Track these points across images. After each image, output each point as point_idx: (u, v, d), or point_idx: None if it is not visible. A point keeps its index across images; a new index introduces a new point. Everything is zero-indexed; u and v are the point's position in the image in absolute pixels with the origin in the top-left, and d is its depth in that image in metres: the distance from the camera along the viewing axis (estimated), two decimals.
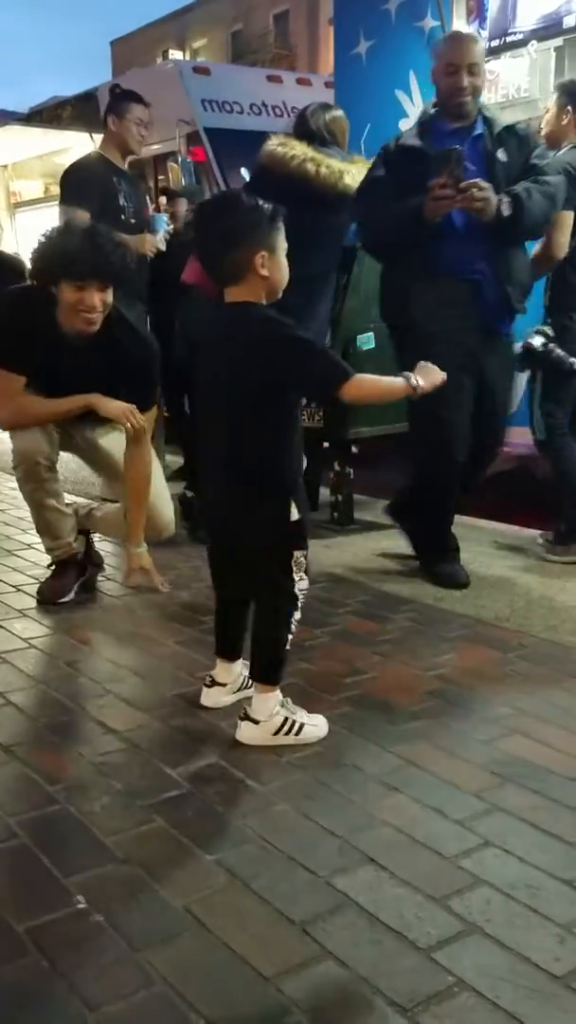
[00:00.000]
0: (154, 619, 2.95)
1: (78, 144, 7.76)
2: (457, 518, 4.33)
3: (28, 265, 2.98)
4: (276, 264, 2.01)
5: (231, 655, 2.26)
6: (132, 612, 3.03)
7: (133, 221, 4.23)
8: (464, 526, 4.18)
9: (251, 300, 2.02)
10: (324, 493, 4.32)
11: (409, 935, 1.44)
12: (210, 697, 2.26)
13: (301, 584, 2.07)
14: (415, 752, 2.04)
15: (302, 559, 2.07)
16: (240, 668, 2.27)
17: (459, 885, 1.56)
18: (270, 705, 2.06)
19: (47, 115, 8.64)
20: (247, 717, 2.08)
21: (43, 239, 2.80)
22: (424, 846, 1.68)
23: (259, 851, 1.66)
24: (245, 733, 2.08)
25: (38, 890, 1.55)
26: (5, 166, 9.28)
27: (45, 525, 3.13)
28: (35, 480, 3.02)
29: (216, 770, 1.97)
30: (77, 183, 4.18)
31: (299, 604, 2.08)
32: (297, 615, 2.08)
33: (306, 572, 2.09)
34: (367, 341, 4.05)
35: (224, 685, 2.26)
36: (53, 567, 3.17)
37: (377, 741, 2.09)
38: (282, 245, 2.02)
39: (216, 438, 2.10)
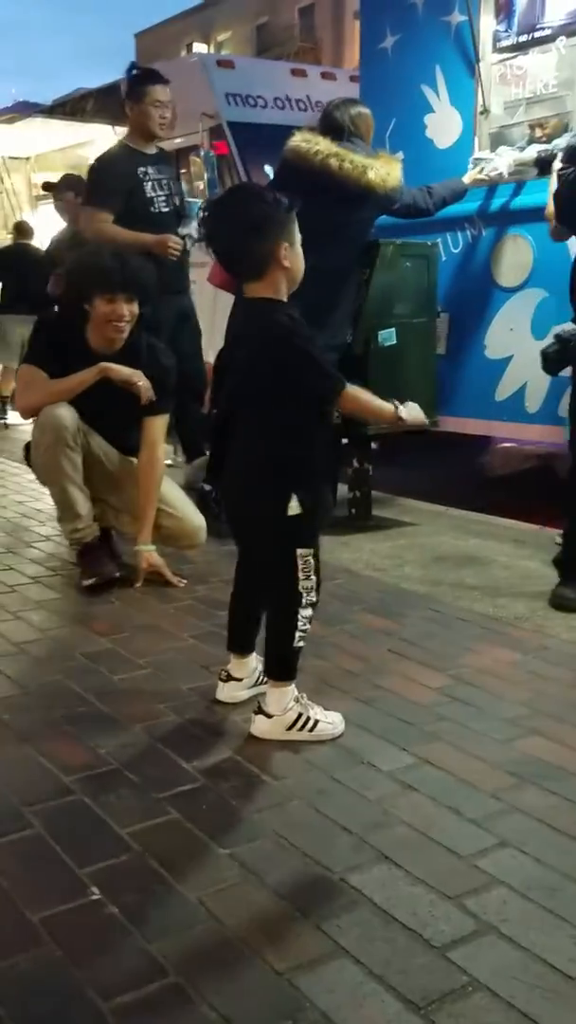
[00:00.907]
0: (170, 612, 2.95)
1: (101, 136, 7.78)
2: (476, 516, 4.33)
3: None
4: (296, 255, 2.01)
5: (244, 650, 2.25)
6: (148, 605, 3.04)
7: (165, 209, 4.14)
8: (484, 524, 4.17)
9: (272, 296, 2.02)
10: (343, 489, 4.31)
11: (423, 933, 1.43)
12: (225, 692, 2.26)
13: (307, 583, 2.04)
14: (431, 751, 2.03)
15: (309, 558, 2.04)
16: (255, 663, 2.26)
17: (474, 884, 1.56)
18: (284, 700, 2.06)
19: (71, 107, 8.66)
20: (261, 711, 2.08)
21: (75, 260, 3.10)
22: (440, 845, 1.67)
23: (273, 846, 1.66)
24: (259, 727, 2.08)
25: (53, 880, 1.56)
26: (28, 158, 9.31)
27: (68, 502, 3.16)
28: (61, 449, 3.09)
29: (231, 764, 1.97)
30: (99, 184, 4.12)
31: (306, 602, 2.05)
32: (307, 612, 2.06)
33: (316, 572, 2.06)
34: (388, 337, 4.03)
35: (240, 680, 2.26)
36: (81, 555, 3.19)
37: (393, 739, 2.08)
38: (298, 236, 2.02)
39: (235, 429, 2.11)
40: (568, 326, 3.21)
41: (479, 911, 1.49)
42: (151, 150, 4.21)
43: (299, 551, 2.03)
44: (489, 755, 2.01)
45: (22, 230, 7.87)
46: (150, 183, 4.13)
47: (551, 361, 3.26)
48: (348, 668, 2.50)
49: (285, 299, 2.04)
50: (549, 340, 3.27)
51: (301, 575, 2.03)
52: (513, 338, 4.40)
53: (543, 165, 4.12)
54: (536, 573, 3.38)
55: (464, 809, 1.79)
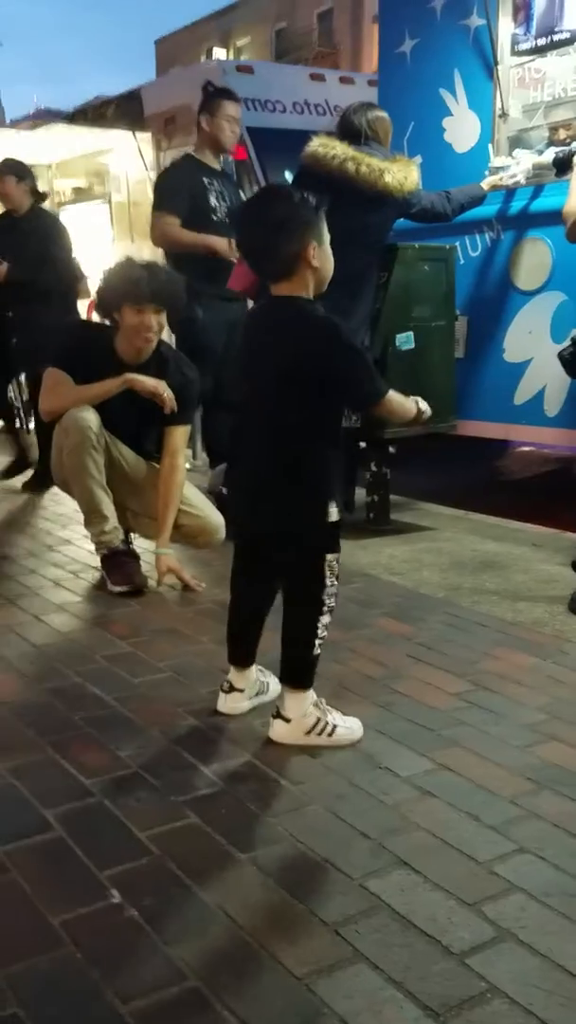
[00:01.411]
0: (189, 615, 2.97)
1: (122, 143, 7.82)
2: (495, 520, 4.32)
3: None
4: (324, 255, 2.01)
5: (247, 662, 2.24)
6: (167, 608, 3.05)
7: (227, 220, 4.23)
8: (503, 528, 4.16)
9: (302, 295, 2.01)
10: (360, 494, 4.31)
11: (442, 940, 1.43)
12: (228, 703, 2.23)
13: (331, 589, 2.06)
14: (449, 756, 2.03)
15: (334, 563, 2.06)
16: (255, 673, 2.26)
17: (493, 891, 1.55)
18: (303, 705, 2.06)
19: (91, 114, 8.70)
20: (280, 715, 2.08)
21: (106, 272, 3.17)
22: (458, 851, 1.67)
23: (292, 851, 1.67)
24: (277, 731, 2.08)
25: (73, 883, 1.57)
26: (50, 165, 9.38)
27: (95, 503, 3.20)
28: (87, 450, 3.13)
29: (249, 768, 1.97)
30: (166, 190, 4.22)
31: (327, 608, 2.06)
32: (326, 619, 2.06)
33: (336, 577, 2.07)
34: (407, 341, 4.03)
35: (242, 691, 2.24)
36: (107, 560, 3.22)
37: (411, 744, 2.08)
38: (327, 235, 2.02)
39: (259, 430, 2.07)
40: None
41: (497, 917, 1.48)
42: (216, 165, 4.32)
43: (328, 557, 2.04)
44: (507, 760, 2.01)
45: None
46: (214, 194, 4.22)
47: (567, 364, 3.27)
48: (366, 673, 2.50)
49: (313, 299, 2.04)
50: (567, 344, 3.27)
51: (328, 581, 2.04)
52: (532, 342, 4.38)
53: (561, 166, 4.12)
54: (555, 577, 3.37)
55: (482, 815, 1.79)
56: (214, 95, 4.27)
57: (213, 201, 4.21)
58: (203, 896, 1.54)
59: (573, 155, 3.86)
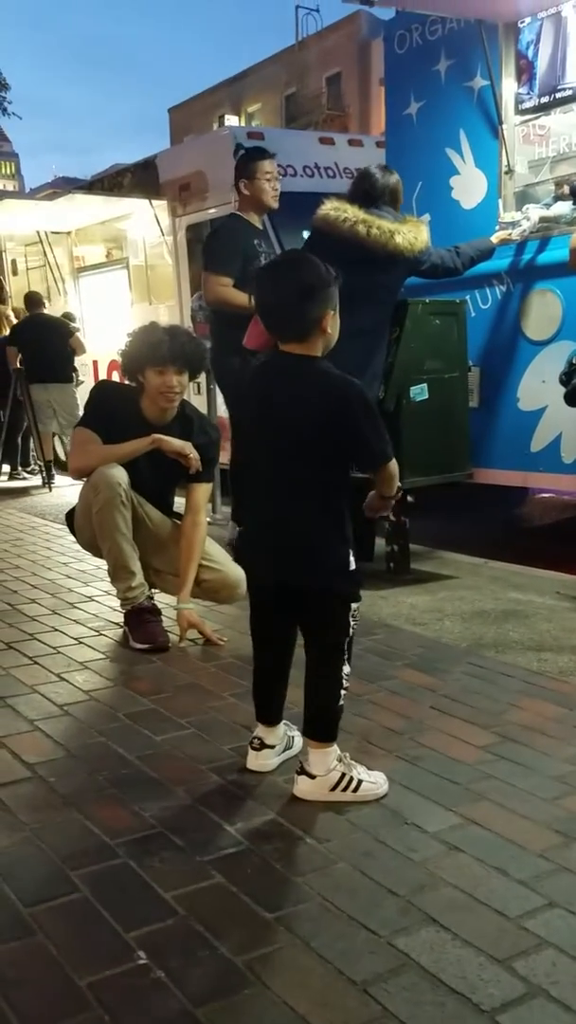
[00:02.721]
0: (211, 670, 2.97)
1: (139, 210, 8.03)
2: (516, 568, 4.31)
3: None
4: (336, 323, 2.09)
5: (276, 719, 2.24)
6: (190, 663, 3.06)
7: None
8: (525, 576, 4.14)
9: (313, 354, 2.07)
10: (380, 543, 4.32)
11: (473, 997, 1.41)
12: (257, 760, 2.22)
13: (351, 637, 2.07)
14: (476, 810, 2.01)
15: (356, 612, 2.08)
16: (283, 728, 2.26)
17: (524, 946, 1.53)
18: (328, 761, 2.06)
19: (108, 183, 8.94)
20: (304, 771, 2.07)
21: (130, 336, 3.28)
22: (487, 906, 1.65)
23: (319, 910, 1.65)
24: (302, 787, 2.07)
25: (99, 944, 1.56)
26: (69, 232, 9.63)
27: (123, 559, 3.24)
28: (117, 506, 3.19)
29: (274, 827, 1.96)
30: (219, 251, 4.29)
31: (347, 657, 2.07)
32: (347, 669, 2.07)
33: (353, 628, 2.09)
34: (420, 392, 4.09)
35: (272, 747, 2.23)
36: (132, 617, 3.25)
37: (437, 799, 2.06)
38: (338, 304, 2.09)
39: (276, 485, 2.08)
40: None
41: (528, 974, 1.46)
42: (259, 225, 4.40)
43: (353, 606, 2.07)
44: (536, 814, 1.99)
45: (35, 301, 8.16)
46: (263, 255, 4.32)
47: (565, 386, 3.35)
48: (390, 726, 2.48)
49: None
50: (564, 367, 3.35)
51: (351, 630, 2.06)
52: (546, 390, 4.42)
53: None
54: None
55: (511, 869, 1.77)
56: (248, 158, 4.32)
57: (263, 262, 4.32)
58: (230, 956, 1.52)
59: None
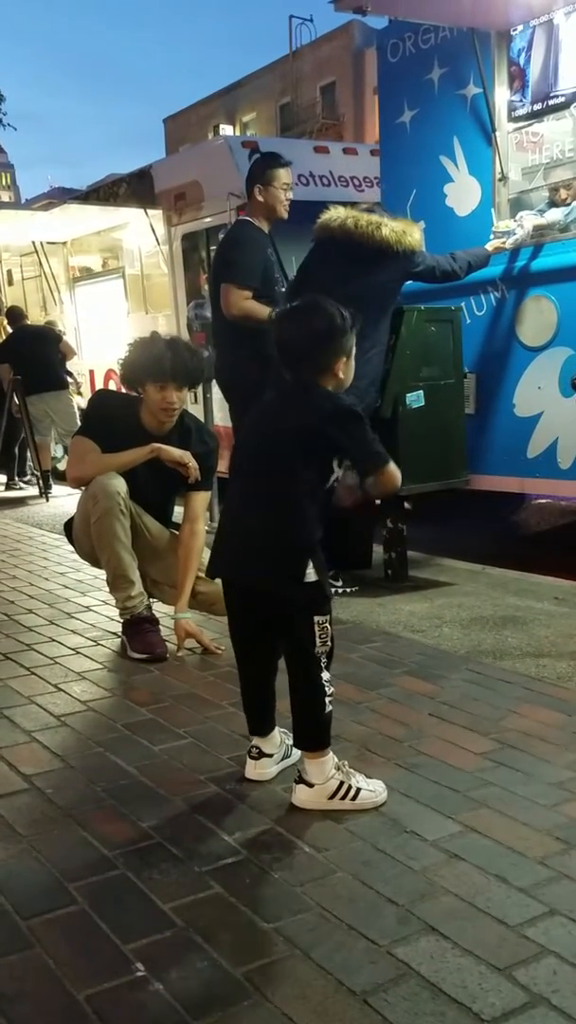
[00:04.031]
0: (209, 680, 2.96)
1: (135, 220, 8.04)
2: (514, 574, 4.30)
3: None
4: (349, 369, 2.15)
5: (266, 729, 2.24)
6: (187, 673, 3.05)
7: (283, 289, 4.31)
8: (523, 582, 4.14)
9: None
10: (378, 551, 4.32)
11: (473, 1006, 1.40)
12: (256, 770, 2.22)
13: (323, 648, 2.05)
14: (476, 818, 2.00)
15: (326, 624, 2.06)
16: (279, 735, 2.26)
17: (524, 955, 1.52)
18: (325, 769, 2.05)
19: (104, 192, 8.94)
20: (302, 780, 2.07)
21: (130, 348, 3.27)
22: (487, 914, 1.64)
23: (318, 919, 1.64)
24: (300, 796, 2.06)
25: (98, 957, 1.55)
26: (65, 242, 9.64)
27: (122, 569, 3.23)
28: (116, 515, 3.18)
29: (273, 836, 1.95)
30: (240, 264, 4.19)
31: (324, 665, 2.05)
32: (326, 675, 2.05)
33: (331, 638, 2.07)
34: (416, 399, 4.09)
35: (271, 756, 2.23)
36: (130, 626, 3.24)
37: (437, 807, 2.05)
38: (353, 350, 2.15)
39: (246, 490, 2.15)
40: None
41: (529, 982, 1.45)
42: (267, 231, 4.32)
43: (316, 618, 2.04)
44: (536, 821, 1.98)
45: (16, 315, 8.19)
46: (275, 264, 4.29)
47: None
48: (389, 734, 2.48)
49: None
50: None
51: (319, 641, 2.04)
52: (542, 396, 4.43)
53: None
54: None
55: (511, 877, 1.76)
56: (265, 164, 4.24)
57: (277, 274, 4.30)
58: (229, 968, 1.51)
59: None
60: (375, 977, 1.48)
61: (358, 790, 2.05)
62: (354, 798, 2.04)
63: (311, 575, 2.03)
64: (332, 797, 2.04)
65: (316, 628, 2.04)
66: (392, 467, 2.15)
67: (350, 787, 2.05)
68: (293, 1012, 1.40)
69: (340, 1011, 1.40)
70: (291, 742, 2.27)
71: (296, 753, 2.25)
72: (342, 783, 2.04)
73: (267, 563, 2.08)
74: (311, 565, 2.03)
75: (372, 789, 2.07)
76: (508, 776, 2.20)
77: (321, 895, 1.71)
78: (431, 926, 1.61)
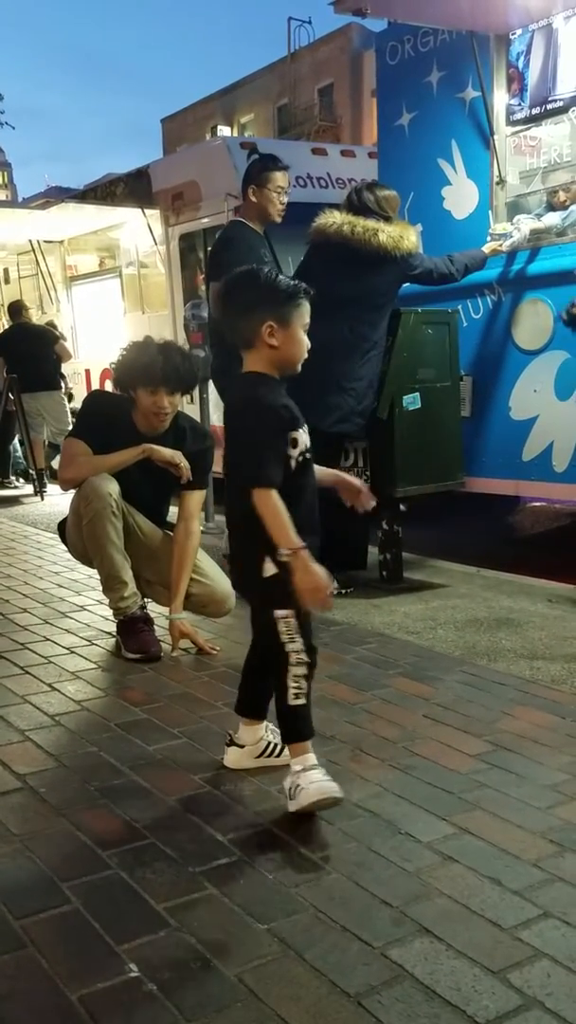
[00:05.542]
0: (204, 680, 2.96)
1: (132, 219, 8.04)
2: (509, 576, 4.31)
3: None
4: (289, 337, 2.07)
5: (249, 714, 2.27)
6: (182, 673, 3.05)
7: None
8: (518, 584, 4.15)
9: (259, 370, 2.09)
10: (373, 552, 4.32)
11: (467, 1009, 1.40)
12: (229, 757, 2.27)
13: (292, 645, 2.02)
14: (470, 820, 2.00)
15: (290, 619, 2.02)
16: (263, 731, 2.27)
17: (518, 957, 1.52)
18: (297, 765, 2.05)
19: (101, 192, 8.92)
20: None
21: (123, 352, 3.26)
22: (481, 917, 1.64)
23: (312, 920, 1.64)
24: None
25: (90, 957, 1.55)
26: (62, 241, 9.64)
27: (115, 570, 3.22)
28: (108, 516, 3.17)
29: (267, 837, 1.95)
30: (235, 262, 4.04)
31: (296, 661, 2.02)
32: (298, 671, 2.02)
33: (302, 635, 2.03)
34: (413, 401, 4.09)
35: (242, 747, 2.26)
36: (124, 626, 3.24)
37: (431, 808, 2.05)
38: (299, 321, 2.09)
39: (228, 492, 2.18)
40: None
41: (523, 985, 1.45)
42: (261, 233, 4.29)
43: (277, 613, 2.03)
44: (530, 823, 1.98)
45: (18, 310, 8.13)
46: (269, 265, 4.24)
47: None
48: (383, 735, 2.48)
49: (275, 376, 2.10)
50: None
51: (285, 637, 2.03)
52: (537, 399, 4.44)
53: None
54: (572, 633, 3.35)
55: (505, 879, 1.76)
56: (262, 166, 4.22)
57: None
58: (222, 969, 1.51)
59: None
60: (369, 979, 1.47)
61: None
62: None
63: (269, 569, 2.01)
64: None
65: (279, 624, 2.02)
66: (263, 496, 1.95)
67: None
68: (286, 1013, 1.40)
69: (334, 1012, 1.40)
70: (276, 740, 2.27)
71: (286, 755, 2.25)
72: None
73: (238, 560, 2.17)
74: (268, 560, 2.00)
75: (320, 789, 1.99)
76: (502, 778, 2.20)
77: (315, 896, 1.71)
78: (425, 928, 1.61)
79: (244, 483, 2.00)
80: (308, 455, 2.10)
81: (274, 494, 1.97)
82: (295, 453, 2.06)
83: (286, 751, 2.25)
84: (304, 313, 2.09)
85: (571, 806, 2.05)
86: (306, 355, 2.12)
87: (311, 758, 2.05)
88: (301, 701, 2.05)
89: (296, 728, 2.07)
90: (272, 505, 1.97)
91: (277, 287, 2.07)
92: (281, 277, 2.10)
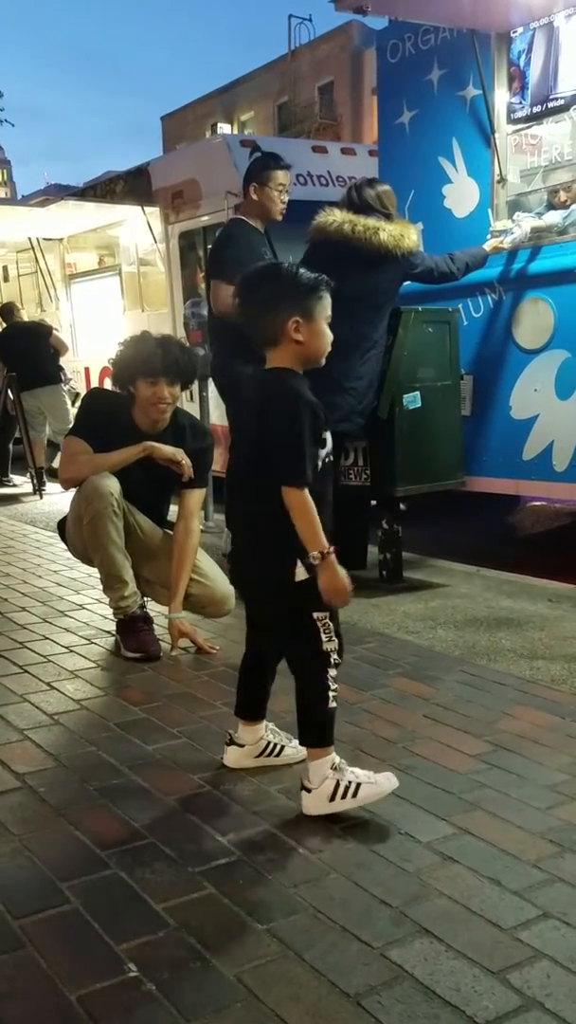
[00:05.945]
0: (203, 679, 2.96)
1: (132, 217, 8.02)
2: (509, 576, 4.31)
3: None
4: (313, 331, 2.04)
5: (251, 716, 2.25)
6: (181, 672, 3.04)
7: None
8: (518, 584, 4.14)
9: (285, 365, 2.06)
10: (373, 551, 4.32)
11: (467, 1009, 1.39)
12: (229, 757, 2.26)
13: (330, 644, 2.02)
14: (470, 820, 2.00)
15: (327, 620, 2.03)
16: (262, 731, 2.26)
17: (518, 958, 1.52)
18: (322, 771, 2.02)
19: (101, 190, 8.90)
20: (304, 786, 2.04)
21: (122, 346, 3.27)
22: (481, 917, 1.64)
23: (311, 921, 1.64)
24: (304, 803, 2.04)
25: (90, 957, 1.55)
26: (61, 239, 9.62)
27: (115, 569, 3.21)
28: (108, 515, 3.16)
29: (266, 837, 1.95)
30: (230, 260, 4.10)
31: (332, 662, 2.03)
32: (333, 673, 2.03)
33: (337, 634, 2.04)
34: (413, 401, 4.09)
35: (242, 747, 2.25)
36: (124, 625, 3.23)
37: (431, 809, 2.05)
38: (322, 314, 2.06)
39: (237, 490, 2.17)
40: None
41: (523, 985, 1.45)
42: (262, 231, 4.27)
43: (315, 615, 2.02)
44: (529, 823, 1.98)
45: (9, 311, 8.11)
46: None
47: None
48: (383, 735, 2.47)
49: (299, 371, 2.07)
50: None
51: (324, 637, 2.02)
52: (538, 399, 4.43)
53: None
54: (572, 633, 3.35)
55: (505, 880, 1.76)
56: (263, 164, 4.20)
57: None
58: (222, 969, 1.51)
59: None
60: (368, 979, 1.47)
61: (358, 785, 2.02)
62: (355, 795, 2.01)
63: (300, 574, 2.00)
64: (332, 799, 2.01)
65: (318, 625, 2.02)
66: (299, 496, 1.95)
67: (348, 784, 2.01)
68: (286, 1014, 1.40)
69: (333, 1013, 1.40)
70: (277, 740, 2.26)
71: (286, 755, 2.25)
72: (338, 783, 2.02)
73: (258, 565, 2.10)
74: (299, 565, 1.99)
75: (373, 780, 2.03)
76: (502, 778, 2.20)
77: (315, 896, 1.71)
78: (425, 928, 1.60)
79: (284, 481, 1.96)
80: (331, 457, 2.08)
81: (308, 494, 1.97)
82: (323, 454, 2.04)
83: (286, 751, 2.25)
84: (326, 305, 2.06)
85: (571, 806, 2.05)
86: (330, 348, 2.08)
87: (336, 756, 2.05)
88: (335, 705, 2.04)
89: (324, 735, 2.04)
90: (308, 505, 1.97)
91: (300, 280, 2.04)
92: (302, 270, 2.06)
